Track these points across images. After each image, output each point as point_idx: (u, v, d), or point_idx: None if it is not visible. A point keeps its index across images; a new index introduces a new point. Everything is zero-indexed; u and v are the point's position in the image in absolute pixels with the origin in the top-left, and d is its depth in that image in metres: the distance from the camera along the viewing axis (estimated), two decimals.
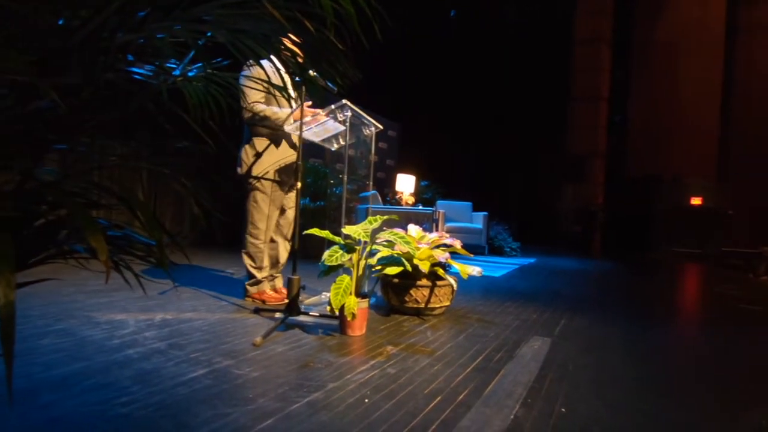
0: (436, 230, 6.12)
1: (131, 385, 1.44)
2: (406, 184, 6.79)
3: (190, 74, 0.85)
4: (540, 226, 11.35)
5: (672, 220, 11.94)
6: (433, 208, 4.82)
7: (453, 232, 6.84)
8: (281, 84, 0.95)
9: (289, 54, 0.81)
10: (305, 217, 5.04)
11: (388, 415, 1.33)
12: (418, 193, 7.37)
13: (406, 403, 1.42)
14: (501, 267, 5.46)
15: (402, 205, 6.13)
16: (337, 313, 2.10)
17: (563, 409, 1.44)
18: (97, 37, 0.52)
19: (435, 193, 7.79)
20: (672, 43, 11.71)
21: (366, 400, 1.43)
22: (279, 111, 2.56)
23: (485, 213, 7.02)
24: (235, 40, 0.68)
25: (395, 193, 6.81)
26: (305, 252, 2.68)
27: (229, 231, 5.63)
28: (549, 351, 2.07)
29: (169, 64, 0.83)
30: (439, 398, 1.47)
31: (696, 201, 12.28)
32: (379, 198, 5.01)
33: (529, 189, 12.11)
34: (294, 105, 2.52)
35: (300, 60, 0.74)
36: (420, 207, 5.63)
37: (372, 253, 2.62)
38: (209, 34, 0.78)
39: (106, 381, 1.47)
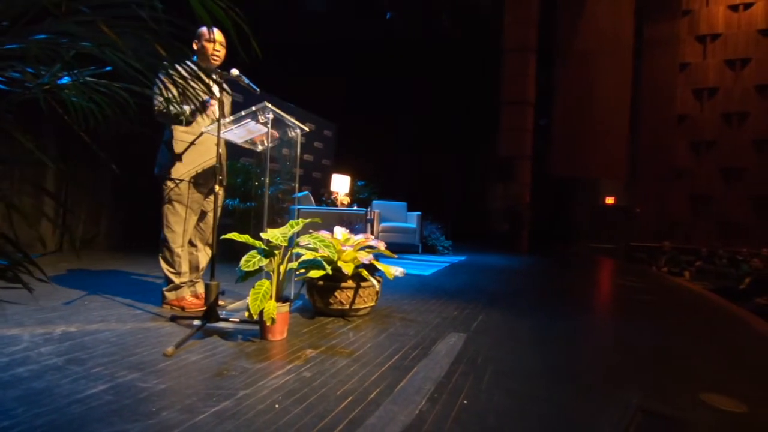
0: (371, 230, 6.20)
1: (15, 407, 1.34)
2: (341, 184, 6.80)
3: (62, 81, 0.81)
4: (473, 225, 11.87)
5: (589, 218, 13.03)
6: (367, 209, 4.88)
7: (388, 232, 6.96)
8: (200, 85, 0.94)
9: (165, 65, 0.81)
10: (235, 219, 4.88)
11: (297, 419, 1.35)
12: (354, 193, 7.41)
13: (316, 406, 1.44)
14: (432, 265, 5.66)
15: (337, 206, 6.13)
16: (256, 318, 2.08)
17: (465, 402, 1.54)
18: None
19: (371, 193, 7.87)
20: (589, 52, 12.73)
21: (276, 406, 1.44)
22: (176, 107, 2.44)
23: (419, 213, 7.22)
24: (102, 53, 0.66)
25: (331, 193, 6.80)
26: (231, 255, 2.61)
27: (154, 234, 5.33)
28: (463, 346, 2.19)
29: (43, 71, 0.79)
30: (350, 398, 1.51)
31: (609, 200, 13.50)
32: (312, 199, 4.97)
33: (463, 189, 12.61)
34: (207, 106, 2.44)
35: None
36: (355, 207, 5.67)
37: (297, 257, 2.61)
38: (85, 45, 0.76)
39: None
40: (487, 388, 1.67)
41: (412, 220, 7.22)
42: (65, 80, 0.81)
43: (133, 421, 1.29)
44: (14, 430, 1.21)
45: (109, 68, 0.88)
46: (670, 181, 13.50)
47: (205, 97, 2.44)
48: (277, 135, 2.74)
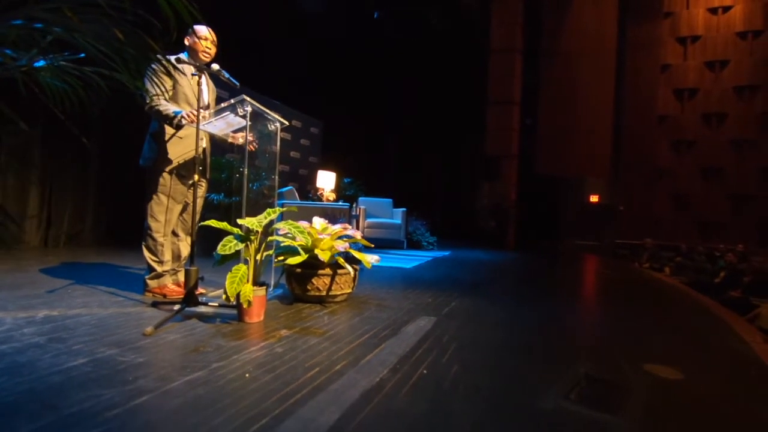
0: (357, 226, 6.29)
1: None
2: (326, 180, 6.89)
3: (38, 64, 0.90)
4: (460, 222, 12.04)
5: (574, 216, 13.27)
6: (349, 204, 4.98)
7: (373, 227, 7.07)
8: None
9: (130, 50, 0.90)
10: (220, 213, 4.95)
11: (264, 386, 1.45)
12: (340, 190, 7.50)
13: (284, 375, 1.55)
14: (415, 260, 5.77)
15: (323, 202, 6.22)
16: (233, 300, 2.17)
17: (425, 371, 1.66)
18: None
19: (357, 190, 7.97)
20: (573, 53, 12.95)
21: (247, 375, 1.54)
22: (170, 109, 2.53)
23: (404, 209, 7.34)
24: (72, 38, 0.76)
25: (316, 189, 6.89)
26: (211, 249, 2.69)
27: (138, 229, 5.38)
28: (431, 327, 2.31)
29: (14, 55, 0.88)
30: (317, 369, 1.62)
31: (594, 198, 13.75)
32: (296, 194, 5.06)
33: (450, 188, 12.77)
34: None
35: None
36: (340, 203, 5.77)
37: (277, 245, 2.71)
38: (57, 30, 0.85)
39: None
40: (447, 361, 1.79)
41: (398, 217, 7.33)
42: (41, 63, 0.90)
43: (110, 387, 1.38)
44: None
45: (82, 54, 0.98)
46: (652, 180, 13.79)
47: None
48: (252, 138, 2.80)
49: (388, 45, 10.78)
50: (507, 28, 12.33)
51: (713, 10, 13.54)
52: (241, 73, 2.62)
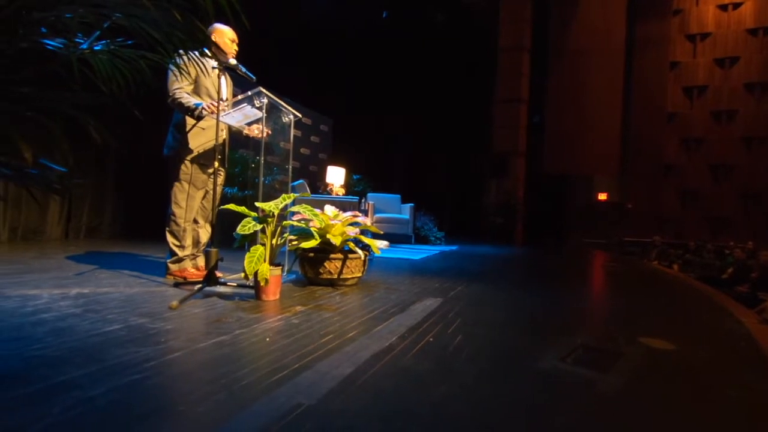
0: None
1: (45, 337, 1.57)
2: (336, 176, 7.03)
3: (95, 48, 1.05)
4: (468, 219, 12.13)
5: (582, 213, 13.29)
6: (358, 198, 5.12)
7: (382, 222, 7.20)
8: (204, 72, 1.17)
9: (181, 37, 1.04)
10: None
11: (284, 347, 1.59)
12: (349, 186, 7.64)
13: (301, 340, 1.68)
14: (422, 252, 5.89)
15: (332, 196, 6.36)
16: (251, 278, 2.31)
17: (431, 339, 1.78)
18: (18, 14, 0.72)
19: (366, 186, 8.11)
20: (581, 51, 12.97)
21: (267, 339, 1.68)
22: (191, 101, 2.69)
23: (412, 204, 7.46)
24: (131, 23, 0.90)
25: (326, 185, 7.04)
26: (229, 238, 2.84)
27: (155, 222, 5.56)
28: (438, 306, 2.43)
29: (79, 40, 1.03)
30: (331, 336, 1.75)
31: (602, 196, 13.75)
32: (307, 187, 5.21)
33: (458, 185, 12.86)
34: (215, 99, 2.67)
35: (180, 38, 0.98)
36: (349, 197, 5.90)
37: (292, 230, 2.86)
38: (117, 16, 1.00)
39: (20, 335, 1.59)
40: (452, 332, 1.91)
41: (406, 212, 7.46)
42: (99, 47, 1.04)
43: (145, 346, 1.53)
44: (47, 349, 1.45)
45: (130, 41, 1.12)
46: (661, 178, 13.76)
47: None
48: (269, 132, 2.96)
49: (397, 43, 10.91)
50: (515, 26, 12.39)
51: (723, 7, 13.48)
52: (252, 70, 2.77)
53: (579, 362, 1.58)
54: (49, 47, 0.92)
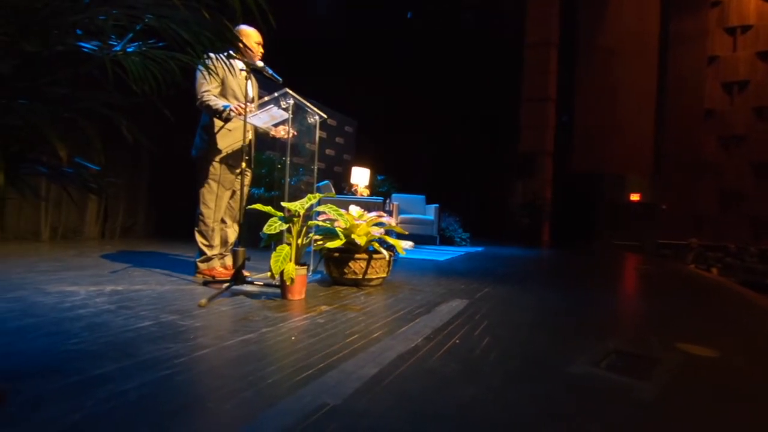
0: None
1: (81, 332, 1.63)
2: (360, 176, 7.05)
3: (128, 50, 1.07)
4: (493, 220, 11.94)
5: (613, 214, 12.87)
6: (383, 198, 5.11)
7: (406, 223, 7.17)
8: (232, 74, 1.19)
9: (209, 36, 1.06)
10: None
11: (309, 346, 1.59)
12: (373, 186, 7.65)
13: (326, 340, 1.68)
14: (447, 254, 5.83)
15: (357, 197, 6.38)
16: (277, 278, 2.34)
17: (458, 341, 1.75)
18: (53, 16, 0.74)
19: (390, 187, 8.10)
20: (612, 49, 12.59)
21: (292, 338, 1.68)
22: (219, 103, 2.74)
23: (437, 205, 7.40)
24: (161, 24, 0.91)
25: (351, 185, 7.07)
26: (255, 238, 2.87)
27: (185, 223, 5.72)
28: (464, 307, 2.39)
29: (112, 42, 1.05)
30: (356, 336, 1.75)
31: (634, 197, 13.29)
32: (332, 187, 5.24)
33: (484, 185, 12.68)
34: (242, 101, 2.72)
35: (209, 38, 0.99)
36: (373, 197, 5.91)
37: (317, 230, 2.87)
38: (149, 17, 1.02)
39: (58, 330, 1.65)
40: (479, 334, 1.87)
41: (430, 212, 7.40)
42: (131, 49, 1.07)
43: (175, 342, 1.56)
44: (83, 344, 1.50)
45: (162, 44, 1.15)
46: (697, 177, 13.17)
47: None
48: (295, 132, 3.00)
49: (421, 43, 10.87)
50: (542, 22, 12.15)
51: None
52: (277, 71, 2.80)
53: (613, 368, 1.52)
54: (84, 49, 0.94)
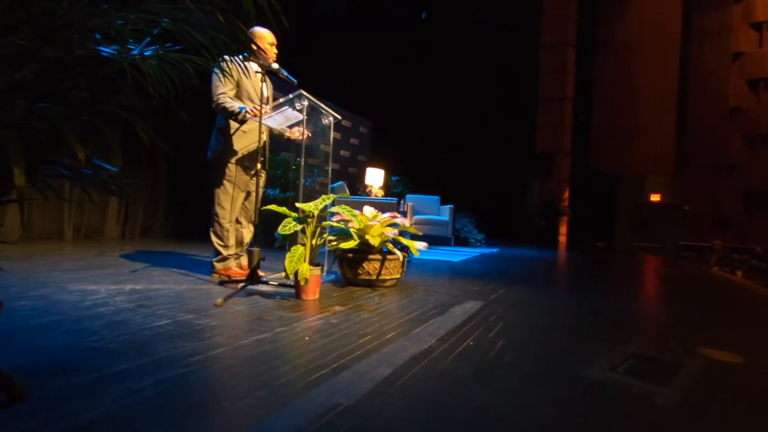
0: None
1: (101, 330, 1.67)
2: (375, 177, 7.06)
3: (146, 53, 1.09)
4: (509, 221, 11.82)
5: (633, 215, 12.59)
6: (397, 199, 5.11)
7: (421, 224, 7.15)
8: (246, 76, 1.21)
9: (225, 39, 1.07)
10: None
11: (323, 347, 1.59)
12: (388, 187, 7.65)
13: (339, 340, 1.68)
14: (462, 255, 5.79)
15: (371, 197, 6.39)
16: (291, 278, 2.35)
17: (471, 343, 1.73)
18: (73, 21, 0.76)
19: (405, 188, 8.08)
20: (631, 44, 12.33)
21: (306, 338, 1.69)
22: (235, 105, 2.77)
23: (451, 206, 7.35)
24: (177, 28, 0.93)
25: (365, 186, 7.08)
26: (270, 239, 2.90)
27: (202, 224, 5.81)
28: (478, 309, 2.37)
29: (130, 46, 1.08)
30: (369, 337, 1.74)
31: (655, 197, 12.96)
32: (346, 188, 5.26)
33: (499, 186, 12.56)
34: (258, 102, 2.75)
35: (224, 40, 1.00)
36: (387, 198, 5.91)
37: (331, 230, 2.88)
38: (165, 21, 1.04)
39: (79, 327, 1.69)
40: (494, 336, 1.85)
41: (445, 213, 7.37)
42: (148, 53, 1.09)
43: (191, 341, 1.58)
44: (103, 341, 1.53)
45: (178, 47, 1.16)
46: (721, 177, 12.78)
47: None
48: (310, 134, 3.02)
49: (436, 43, 10.83)
50: (559, 20, 11.97)
51: None
52: (291, 72, 2.82)
53: (632, 372, 1.48)
54: (103, 53, 0.96)
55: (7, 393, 1.06)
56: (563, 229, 10.93)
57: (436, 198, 7.75)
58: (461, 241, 7.45)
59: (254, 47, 2.89)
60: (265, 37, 2.89)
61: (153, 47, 1.11)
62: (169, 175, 6.10)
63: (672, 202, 12.76)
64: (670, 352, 1.76)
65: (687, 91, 12.75)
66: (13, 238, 4.28)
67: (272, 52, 2.93)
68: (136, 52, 1.07)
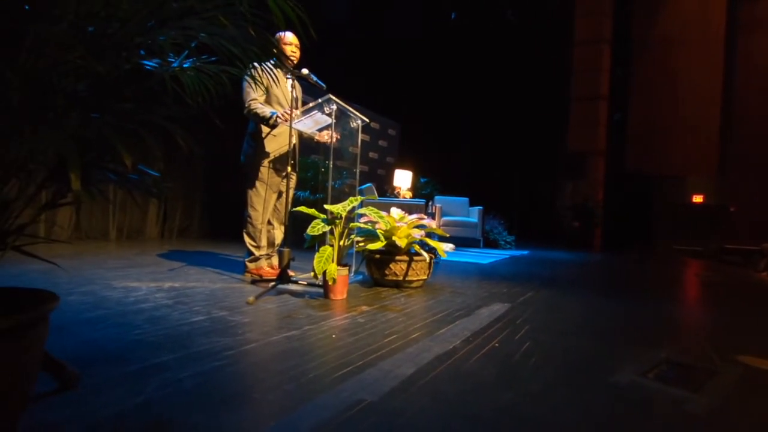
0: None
1: (143, 324, 1.77)
2: (403, 179, 7.09)
3: (184, 66, 1.17)
4: (541, 222, 11.56)
5: (673, 217, 12.06)
6: (425, 201, 5.12)
7: (450, 226, 7.12)
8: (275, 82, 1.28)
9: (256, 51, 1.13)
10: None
11: (349, 345, 1.64)
12: (416, 189, 7.66)
13: (365, 339, 1.73)
14: (491, 257, 5.73)
15: (399, 199, 6.43)
16: (320, 278, 2.42)
17: (497, 345, 1.73)
18: (125, 39, 0.84)
19: (433, 189, 8.07)
20: (671, 39, 11.84)
21: (333, 336, 1.74)
22: (266, 110, 2.87)
23: (480, 207, 7.29)
24: (213, 41, 1.00)
25: (393, 188, 7.13)
26: (300, 240, 2.98)
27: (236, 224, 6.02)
28: (505, 311, 2.36)
29: (170, 59, 1.15)
30: (395, 336, 1.78)
31: (697, 198, 12.38)
32: (374, 190, 5.32)
33: (529, 186, 12.32)
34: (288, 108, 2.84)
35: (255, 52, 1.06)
36: (416, 199, 5.92)
37: (359, 231, 2.94)
38: (202, 35, 1.11)
39: (123, 322, 1.81)
40: (520, 339, 1.84)
41: (474, 215, 7.30)
42: (187, 65, 1.17)
43: (225, 336, 1.66)
44: (145, 335, 1.64)
45: (213, 58, 1.24)
46: None
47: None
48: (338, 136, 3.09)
49: (465, 43, 10.76)
50: (593, 17, 11.63)
51: None
52: (320, 76, 2.89)
53: (663, 378, 1.45)
54: (146, 67, 1.04)
55: (60, 380, 1.15)
56: (597, 231, 10.60)
57: (465, 199, 7.70)
58: (490, 243, 7.37)
59: (282, 53, 2.99)
60: (283, 38, 2.97)
61: (191, 60, 1.19)
62: (205, 179, 6.35)
63: (716, 203, 12.15)
64: (704, 358, 1.71)
65: (733, 87, 12.11)
66: (65, 238, 4.57)
67: (290, 52, 2.98)
68: (175, 64, 1.14)
